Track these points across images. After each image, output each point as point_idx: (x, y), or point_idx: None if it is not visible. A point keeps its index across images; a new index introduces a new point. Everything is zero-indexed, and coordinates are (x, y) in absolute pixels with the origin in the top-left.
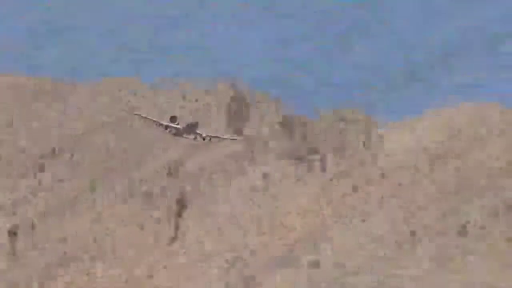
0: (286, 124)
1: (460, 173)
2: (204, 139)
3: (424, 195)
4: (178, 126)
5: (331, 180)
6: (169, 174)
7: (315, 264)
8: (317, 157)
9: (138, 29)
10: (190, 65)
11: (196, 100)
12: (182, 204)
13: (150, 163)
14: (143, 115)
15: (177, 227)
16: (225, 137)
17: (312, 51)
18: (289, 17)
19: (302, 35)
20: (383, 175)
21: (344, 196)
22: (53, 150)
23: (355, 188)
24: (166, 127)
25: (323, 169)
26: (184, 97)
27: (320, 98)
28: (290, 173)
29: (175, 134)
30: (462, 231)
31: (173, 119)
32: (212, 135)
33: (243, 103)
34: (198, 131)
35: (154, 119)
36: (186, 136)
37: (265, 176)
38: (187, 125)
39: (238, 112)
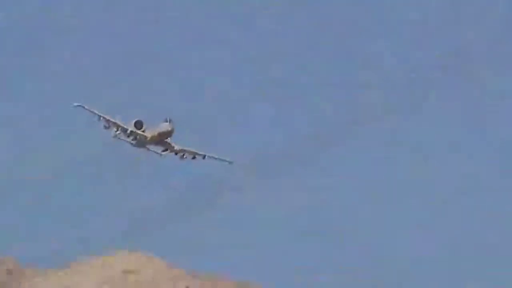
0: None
1: None
2: (176, 153)
3: None
4: (145, 134)
5: None
6: None
7: None
8: None
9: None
10: (190, 66)
11: None
12: None
13: None
14: (93, 111)
15: None
16: (208, 154)
17: (312, 51)
18: (289, 17)
19: (302, 35)
20: None
21: None
22: None
23: None
24: (131, 133)
25: None
26: None
27: (320, 98)
28: None
29: (137, 144)
30: None
31: (138, 124)
32: (191, 150)
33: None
34: (170, 143)
35: (118, 121)
36: (152, 149)
37: None
38: (159, 134)
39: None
